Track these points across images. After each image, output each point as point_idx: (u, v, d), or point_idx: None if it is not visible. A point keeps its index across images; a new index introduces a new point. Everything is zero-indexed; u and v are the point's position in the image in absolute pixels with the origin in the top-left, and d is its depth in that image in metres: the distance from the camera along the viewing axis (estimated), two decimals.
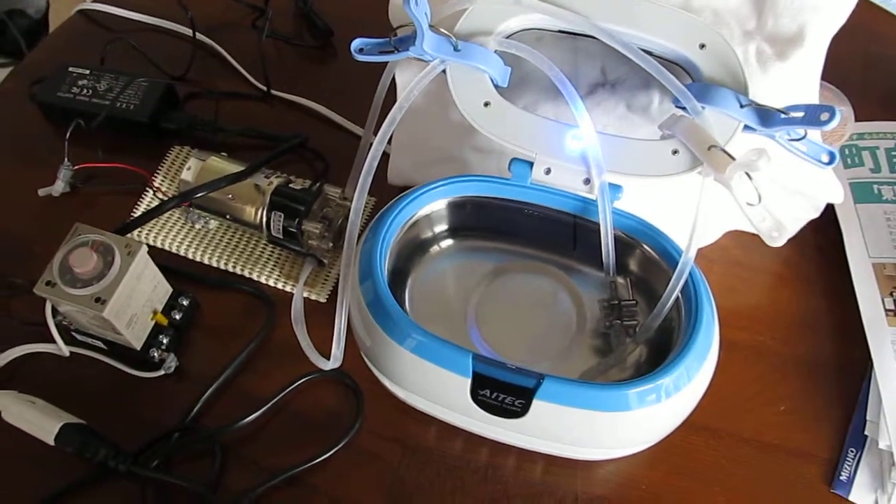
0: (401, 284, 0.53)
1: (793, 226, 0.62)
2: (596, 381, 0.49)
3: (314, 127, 0.72)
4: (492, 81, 0.51)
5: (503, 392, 0.45)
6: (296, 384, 0.58)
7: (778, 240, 0.47)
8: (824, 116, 0.44)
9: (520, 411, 0.46)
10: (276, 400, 0.58)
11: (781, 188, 0.57)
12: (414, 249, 0.54)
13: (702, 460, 0.55)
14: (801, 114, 0.45)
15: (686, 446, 0.55)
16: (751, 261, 0.63)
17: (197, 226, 0.65)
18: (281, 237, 0.61)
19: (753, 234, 0.52)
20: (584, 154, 0.49)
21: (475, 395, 0.46)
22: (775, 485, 0.55)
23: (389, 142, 0.60)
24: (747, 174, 0.44)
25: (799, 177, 0.56)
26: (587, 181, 0.50)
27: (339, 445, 0.56)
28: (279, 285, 0.63)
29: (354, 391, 0.58)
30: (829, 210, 0.63)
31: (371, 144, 0.49)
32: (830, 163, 0.49)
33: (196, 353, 0.60)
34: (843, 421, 0.57)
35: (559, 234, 0.53)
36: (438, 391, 0.48)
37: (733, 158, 0.45)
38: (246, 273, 0.63)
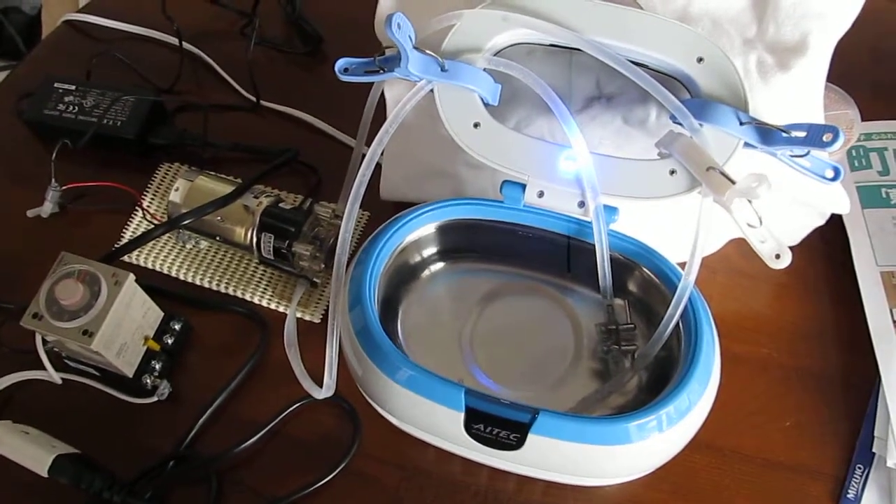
0: (392, 311, 0.52)
1: (797, 234, 0.60)
2: (593, 415, 0.48)
3: (305, 138, 0.70)
4: (482, 100, 0.49)
5: (497, 426, 0.44)
6: (291, 408, 0.57)
7: (781, 262, 0.46)
8: (827, 137, 0.42)
9: (515, 444, 0.44)
10: (271, 425, 0.57)
11: (784, 197, 0.55)
12: (405, 275, 0.53)
13: (705, 480, 0.54)
14: (803, 133, 0.44)
15: (688, 465, 0.54)
16: (754, 269, 0.61)
17: (188, 246, 0.64)
18: (272, 258, 0.60)
19: None
20: (578, 176, 0.48)
21: (469, 429, 0.45)
22: (780, 503, 0.54)
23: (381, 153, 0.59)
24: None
25: (803, 188, 0.54)
26: (582, 204, 0.48)
27: (338, 470, 0.55)
28: (272, 305, 0.62)
29: (351, 414, 0.57)
30: (837, 216, 0.61)
31: (362, 158, 0.48)
32: (835, 178, 0.47)
33: (190, 377, 0.59)
34: (851, 437, 0.55)
35: (554, 255, 0.52)
36: (432, 423, 0.47)
37: (733, 182, 0.43)
38: (239, 294, 0.62)
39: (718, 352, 0.48)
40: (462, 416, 0.45)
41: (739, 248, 0.61)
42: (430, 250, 0.54)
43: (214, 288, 0.63)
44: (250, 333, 0.61)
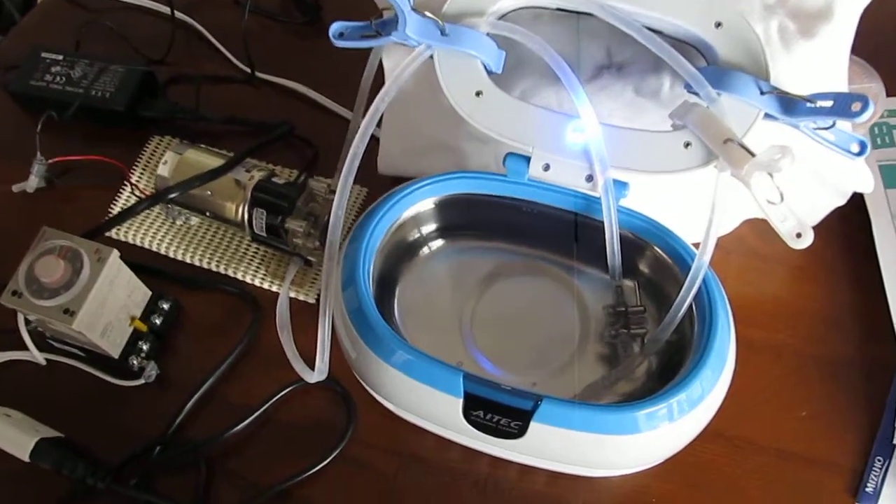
0: (389, 291, 0.49)
1: (816, 214, 0.57)
2: (601, 402, 0.45)
3: (302, 111, 0.68)
4: (484, 67, 0.46)
5: (498, 413, 0.41)
6: (284, 392, 0.55)
7: (802, 241, 0.43)
8: (856, 107, 0.39)
9: (517, 433, 0.42)
10: (263, 409, 0.54)
11: (804, 175, 0.52)
12: (402, 252, 0.50)
13: (717, 471, 0.52)
14: (829, 103, 0.41)
15: (700, 456, 0.52)
16: (771, 251, 0.59)
17: (178, 222, 0.61)
18: (264, 235, 0.57)
19: None
20: (586, 148, 0.45)
21: (468, 416, 0.42)
22: (795, 497, 0.51)
23: (379, 125, 0.56)
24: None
25: (824, 163, 0.51)
26: (590, 178, 0.46)
27: (332, 457, 0.53)
28: (265, 285, 0.59)
29: (345, 399, 0.55)
30: (857, 195, 0.58)
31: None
32: (861, 153, 0.44)
33: (179, 359, 0.57)
34: (870, 427, 0.53)
35: (560, 233, 0.49)
36: (429, 410, 0.44)
37: (753, 154, 0.40)
38: (230, 272, 0.60)
39: (734, 337, 0.45)
40: (460, 402, 0.42)
41: (755, 229, 0.58)
42: (430, 227, 0.51)
43: (205, 266, 0.60)
44: (242, 314, 0.59)
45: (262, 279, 0.59)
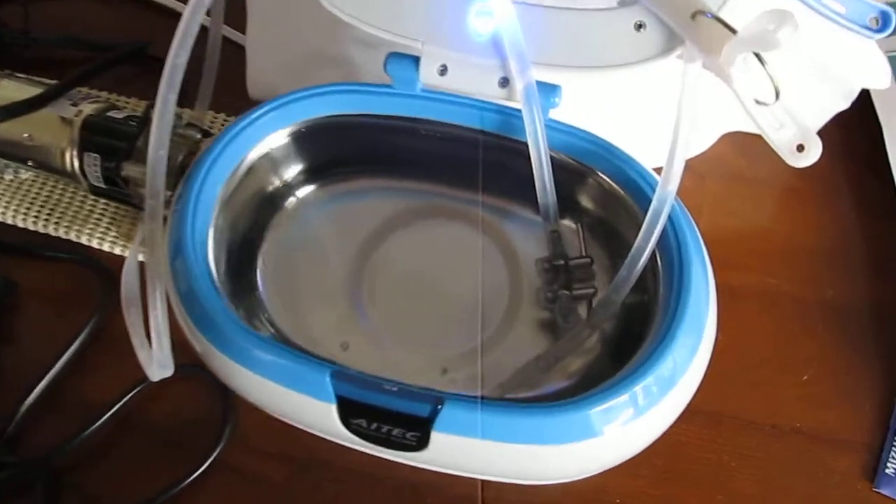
0: (248, 258, 0.37)
1: (813, 120, 0.45)
2: (536, 393, 0.33)
3: (166, 28, 0.54)
4: None
5: (385, 422, 0.30)
6: (144, 385, 0.44)
7: (805, 156, 0.31)
8: None
9: (415, 446, 0.30)
10: (118, 407, 0.43)
11: (799, 69, 0.40)
12: (261, 206, 0.38)
13: (697, 458, 0.42)
14: None
15: (675, 441, 0.41)
16: (757, 172, 0.49)
17: (7, 178, 0.48)
18: (104, 187, 0.44)
19: (759, 137, 0.37)
20: (496, 38, 0.32)
21: (348, 425, 0.31)
22: (797, 484, 0.41)
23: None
24: (757, 56, 0.27)
25: (826, 51, 0.39)
26: (505, 81, 0.33)
27: (207, 463, 0.42)
28: (117, 250, 0.47)
29: (222, 392, 0.43)
30: (863, 96, 0.47)
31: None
32: (882, 29, 0.32)
33: (12, 348, 0.46)
34: (888, 393, 0.42)
35: (471, 162, 0.36)
36: (300, 417, 0.33)
37: (733, 31, 0.27)
38: (73, 236, 0.47)
39: (713, 289, 0.34)
40: (334, 408, 0.30)
41: (737, 145, 0.49)
42: (293, 168, 0.38)
43: (41, 230, 0.48)
44: (91, 288, 0.47)
45: (113, 243, 0.47)
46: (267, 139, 0.35)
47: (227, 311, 0.31)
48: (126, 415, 0.44)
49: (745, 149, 0.49)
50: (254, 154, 0.35)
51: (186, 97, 0.47)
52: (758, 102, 0.30)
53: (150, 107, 0.46)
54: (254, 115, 0.34)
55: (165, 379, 0.43)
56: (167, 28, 0.53)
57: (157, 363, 0.36)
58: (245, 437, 0.43)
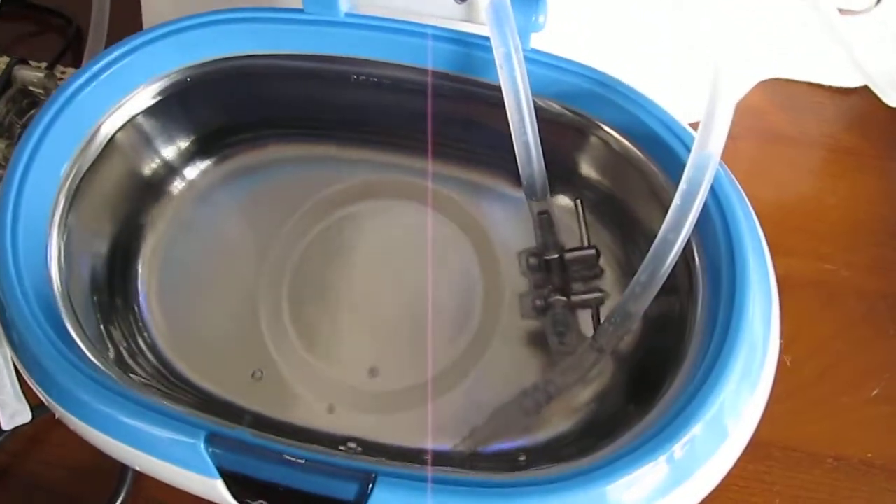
0: (125, 265, 0.27)
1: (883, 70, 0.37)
2: (518, 459, 0.24)
3: None
4: None
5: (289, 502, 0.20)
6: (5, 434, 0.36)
7: None
8: None
9: None
10: None
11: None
12: (135, 194, 0.28)
13: (740, 502, 0.34)
14: None
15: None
16: (804, 130, 0.43)
17: None
18: None
19: (805, 85, 0.28)
20: None
21: (241, 501, 0.21)
22: None
23: None
24: None
25: None
26: None
27: None
28: None
29: None
30: None
31: None
32: None
33: None
34: None
35: (424, 117, 0.26)
36: (188, 489, 0.23)
37: None
38: None
39: (777, 296, 0.24)
40: (219, 483, 0.20)
41: (777, 96, 0.43)
42: (175, 140, 0.29)
43: None
44: None
45: None
46: (130, 98, 0.25)
47: (61, 351, 0.21)
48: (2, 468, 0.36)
49: (786, 100, 0.43)
50: (113, 121, 0.25)
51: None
52: (842, 11, 0.20)
53: (14, 62, 0.37)
54: (102, 63, 0.24)
55: (47, 420, 0.35)
56: None
57: (8, 411, 0.28)
58: (145, 488, 0.34)
